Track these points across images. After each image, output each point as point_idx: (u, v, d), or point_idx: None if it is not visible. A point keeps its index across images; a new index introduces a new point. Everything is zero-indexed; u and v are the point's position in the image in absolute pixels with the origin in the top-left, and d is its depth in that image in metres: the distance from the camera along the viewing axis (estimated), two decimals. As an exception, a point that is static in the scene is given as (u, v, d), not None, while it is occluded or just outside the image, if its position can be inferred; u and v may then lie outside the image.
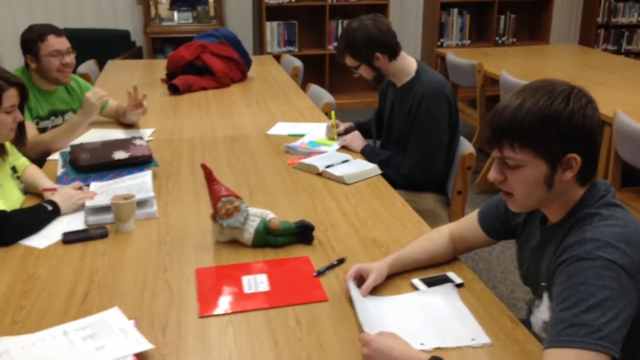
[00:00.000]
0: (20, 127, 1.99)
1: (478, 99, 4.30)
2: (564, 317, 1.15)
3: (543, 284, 1.35)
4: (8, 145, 2.01)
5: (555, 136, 1.21)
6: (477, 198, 3.93)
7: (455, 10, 6.18)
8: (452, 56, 4.58)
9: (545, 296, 1.35)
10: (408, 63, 2.54)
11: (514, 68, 4.27)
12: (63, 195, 1.97)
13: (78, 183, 2.07)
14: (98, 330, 1.34)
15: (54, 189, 2.02)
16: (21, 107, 1.96)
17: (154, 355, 1.30)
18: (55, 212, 1.92)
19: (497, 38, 6.26)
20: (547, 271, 1.32)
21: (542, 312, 1.38)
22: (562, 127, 1.21)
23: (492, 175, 1.30)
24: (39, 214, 1.88)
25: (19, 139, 2.02)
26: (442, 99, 2.43)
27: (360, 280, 1.55)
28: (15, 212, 1.86)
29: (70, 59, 2.69)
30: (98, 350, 1.27)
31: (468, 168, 2.42)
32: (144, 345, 1.29)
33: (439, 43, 6.18)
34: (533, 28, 6.52)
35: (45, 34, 2.62)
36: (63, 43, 2.66)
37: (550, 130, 1.21)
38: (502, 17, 6.22)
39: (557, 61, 4.92)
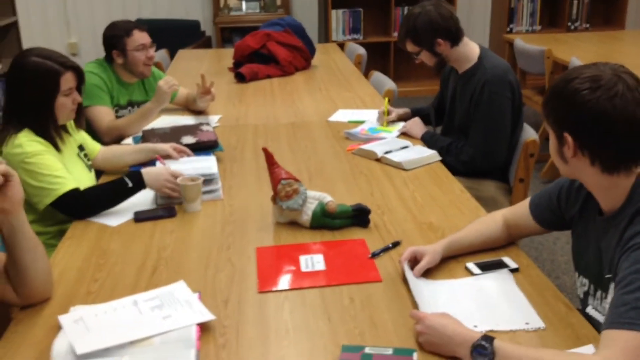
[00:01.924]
0: (79, 108, 2.06)
1: (547, 86, 4.19)
2: (627, 300, 1.14)
3: (608, 275, 1.33)
4: (69, 126, 2.11)
5: (555, 111, 1.31)
6: (542, 187, 3.84)
7: (526, -5, 6.02)
8: (520, 42, 4.48)
9: (612, 287, 1.34)
10: (470, 49, 2.53)
11: (586, 54, 4.13)
12: (155, 172, 2.00)
13: (169, 169, 2.06)
14: (165, 301, 1.43)
15: (162, 161, 2.11)
16: (79, 89, 2.02)
17: (216, 326, 1.38)
18: (135, 188, 1.96)
19: (569, 24, 6.05)
20: (611, 262, 1.30)
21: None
22: (562, 104, 1.28)
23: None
24: (116, 187, 1.96)
25: (77, 119, 2.09)
26: (505, 85, 2.41)
27: (414, 262, 1.58)
28: (89, 190, 1.96)
29: (153, 52, 2.82)
30: (165, 319, 1.36)
31: (531, 155, 2.39)
32: (207, 316, 1.37)
33: (508, 29, 6.03)
34: (608, 13, 6.25)
35: (130, 30, 2.76)
36: (146, 37, 2.80)
37: (553, 105, 1.31)
38: (575, 1, 6.00)
39: (631, 48, 4.72)
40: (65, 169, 1.95)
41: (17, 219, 1.39)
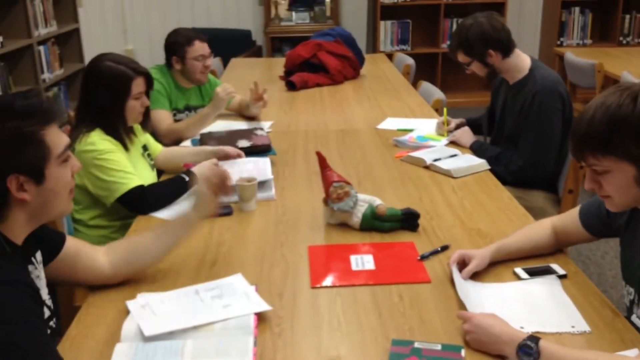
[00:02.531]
0: (146, 111, 2.19)
1: (597, 99, 4.16)
2: None
3: None
4: (137, 128, 2.24)
5: (631, 139, 1.25)
6: (589, 198, 3.81)
7: (577, 9, 5.97)
8: (570, 55, 4.46)
9: None
10: (522, 60, 2.56)
11: (637, 69, 4.09)
12: (202, 166, 2.16)
13: (214, 160, 2.25)
14: (225, 292, 1.52)
15: (190, 165, 2.25)
16: (147, 94, 2.16)
17: (272, 317, 1.46)
18: (192, 182, 2.10)
19: (621, 38, 5.97)
20: None
21: None
22: (634, 128, 1.24)
23: (587, 184, 1.37)
24: (175, 184, 2.10)
25: (144, 122, 2.22)
26: (556, 97, 2.43)
27: (462, 265, 1.63)
28: (152, 186, 2.09)
29: (210, 62, 2.95)
30: (225, 308, 1.45)
31: (580, 167, 2.40)
32: (264, 306, 1.45)
33: (558, 42, 5.99)
34: (662, 27, 6.14)
35: (192, 39, 2.90)
36: (206, 48, 2.93)
37: (624, 134, 1.25)
38: (627, 16, 5.92)
39: (686, 62, 4.64)
40: (132, 167, 2.07)
41: None
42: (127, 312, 1.46)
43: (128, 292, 1.57)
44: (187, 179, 2.10)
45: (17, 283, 1.17)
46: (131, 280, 1.62)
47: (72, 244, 1.52)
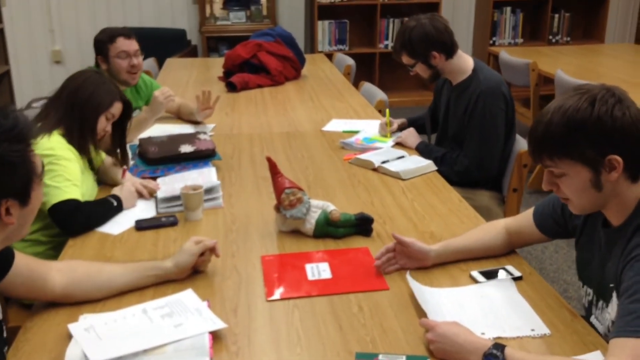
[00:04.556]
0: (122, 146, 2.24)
1: (532, 98, 4.27)
2: (633, 309, 1.18)
3: (611, 285, 1.36)
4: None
5: (588, 142, 1.26)
6: (529, 197, 3.91)
7: (509, 9, 6.13)
8: (505, 55, 4.56)
9: (615, 296, 1.36)
10: (464, 61, 2.58)
11: (569, 67, 4.23)
12: (126, 192, 2.06)
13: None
14: (175, 310, 1.43)
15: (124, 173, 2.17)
16: (122, 124, 2.18)
17: (227, 334, 1.39)
18: (119, 208, 2.01)
19: (550, 37, 6.17)
20: (615, 272, 1.33)
21: (611, 312, 1.38)
22: (591, 132, 1.25)
23: (545, 185, 1.37)
24: (105, 207, 1.99)
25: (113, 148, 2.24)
26: (499, 97, 2.46)
27: (405, 256, 1.64)
28: (86, 204, 1.97)
29: (138, 61, 2.78)
30: (176, 327, 1.37)
31: (524, 166, 2.44)
32: (219, 324, 1.38)
33: (491, 42, 6.14)
34: (588, 27, 6.40)
35: (115, 36, 2.74)
36: (131, 45, 2.76)
37: (581, 138, 1.26)
38: (557, 15, 6.13)
39: (612, 61, 4.84)
40: (80, 180, 1.97)
41: None
42: (70, 336, 1.35)
43: (68, 313, 1.46)
44: (115, 204, 2.00)
45: None
46: (72, 301, 1.51)
47: (22, 261, 1.42)
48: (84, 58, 5.69)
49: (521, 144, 2.49)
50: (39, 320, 1.45)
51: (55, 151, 1.93)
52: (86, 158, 2.07)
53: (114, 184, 2.16)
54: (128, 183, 2.11)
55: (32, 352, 1.33)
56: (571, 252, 3.29)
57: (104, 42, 2.75)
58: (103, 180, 2.23)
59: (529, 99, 4.35)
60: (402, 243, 1.62)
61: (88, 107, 2.03)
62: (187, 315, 1.42)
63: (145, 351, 1.30)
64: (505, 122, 2.49)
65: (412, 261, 1.65)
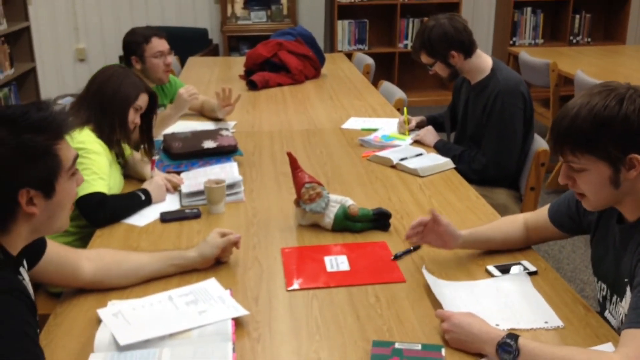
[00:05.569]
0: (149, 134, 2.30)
1: (551, 98, 4.28)
2: None
3: (626, 279, 1.38)
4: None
5: (612, 140, 1.28)
6: (547, 198, 3.92)
7: (529, 9, 6.12)
8: (525, 55, 4.57)
9: (629, 291, 1.38)
10: (483, 61, 2.60)
11: (589, 68, 4.22)
12: (156, 187, 2.11)
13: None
14: (199, 297, 1.49)
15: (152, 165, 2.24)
16: (146, 115, 2.23)
17: (249, 321, 1.44)
18: (147, 202, 2.06)
19: (571, 37, 6.15)
20: (630, 267, 1.35)
21: (625, 307, 1.40)
22: (617, 130, 1.27)
23: (561, 179, 1.38)
24: (132, 201, 2.04)
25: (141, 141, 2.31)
26: (518, 97, 2.48)
27: (433, 231, 1.66)
28: (112, 197, 2.03)
29: (171, 59, 2.88)
30: (201, 314, 1.42)
31: (542, 164, 2.46)
32: (241, 311, 1.43)
33: (511, 42, 6.13)
34: (609, 28, 6.36)
35: (149, 37, 2.82)
36: (165, 45, 2.86)
37: (606, 135, 1.27)
38: (577, 16, 6.11)
39: (634, 62, 4.81)
40: (108, 174, 2.03)
41: None
42: (99, 321, 1.41)
43: (97, 299, 1.53)
44: (143, 197, 2.05)
45: (15, 291, 1.14)
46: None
47: (54, 249, 1.48)
48: (107, 56, 5.80)
49: (539, 142, 2.51)
50: (68, 305, 1.51)
51: (85, 145, 2.00)
52: (114, 152, 2.13)
53: (141, 178, 2.23)
54: (157, 177, 2.16)
55: (63, 336, 1.40)
56: (588, 251, 3.29)
57: (138, 42, 2.82)
58: (130, 174, 2.30)
59: (549, 100, 4.36)
60: (438, 222, 1.64)
61: (117, 101, 2.10)
62: (211, 302, 1.47)
63: (171, 335, 1.35)
64: (524, 121, 2.52)
65: (438, 241, 1.67)
